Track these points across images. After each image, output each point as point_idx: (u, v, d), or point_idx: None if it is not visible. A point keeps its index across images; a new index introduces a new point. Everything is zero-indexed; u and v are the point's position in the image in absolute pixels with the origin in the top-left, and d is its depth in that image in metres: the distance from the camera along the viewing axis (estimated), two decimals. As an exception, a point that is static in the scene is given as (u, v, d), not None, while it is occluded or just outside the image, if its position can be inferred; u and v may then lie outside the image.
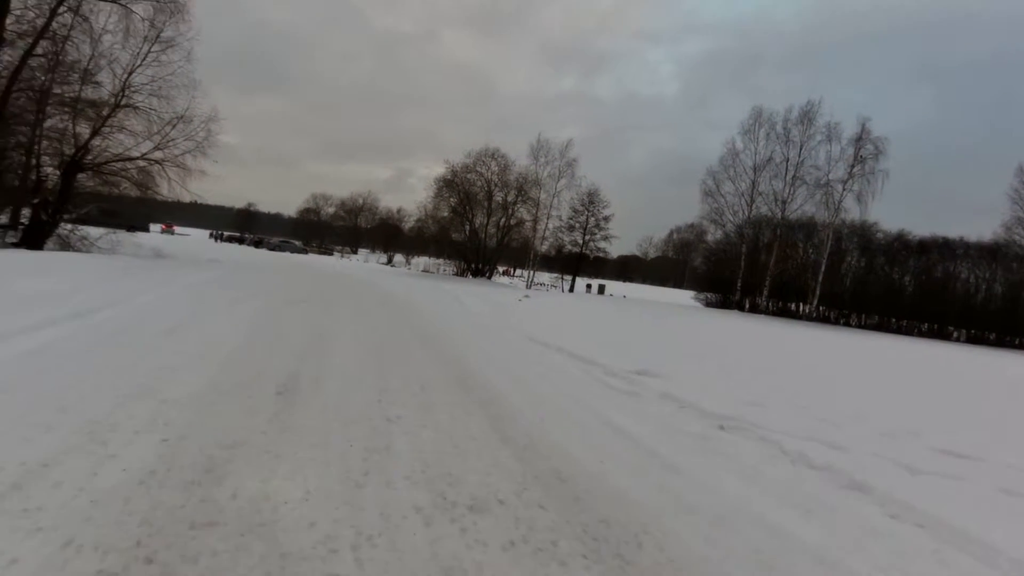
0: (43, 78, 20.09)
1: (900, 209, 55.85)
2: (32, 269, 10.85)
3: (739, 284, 35.21)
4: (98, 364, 4.92)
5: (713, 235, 38.60)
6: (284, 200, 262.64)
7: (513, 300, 20.32)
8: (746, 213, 35.98)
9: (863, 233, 34.65)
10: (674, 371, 8.52)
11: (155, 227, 58.62)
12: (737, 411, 6.18)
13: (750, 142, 35.73)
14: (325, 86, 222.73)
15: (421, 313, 12.79)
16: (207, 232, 73.26)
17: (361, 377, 5.60)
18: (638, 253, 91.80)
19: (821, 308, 34.09)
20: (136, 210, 48.73)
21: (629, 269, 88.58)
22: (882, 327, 32.94)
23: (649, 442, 4.72)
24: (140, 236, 37.27)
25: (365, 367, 6.12)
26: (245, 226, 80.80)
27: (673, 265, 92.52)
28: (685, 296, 44.98)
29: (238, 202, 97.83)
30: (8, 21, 19.05)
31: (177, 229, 69.58)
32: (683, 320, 20.62)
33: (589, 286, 42.59)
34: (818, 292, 32.88)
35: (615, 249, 43.39)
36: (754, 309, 34.92)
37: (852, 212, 33.39)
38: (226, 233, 66.91)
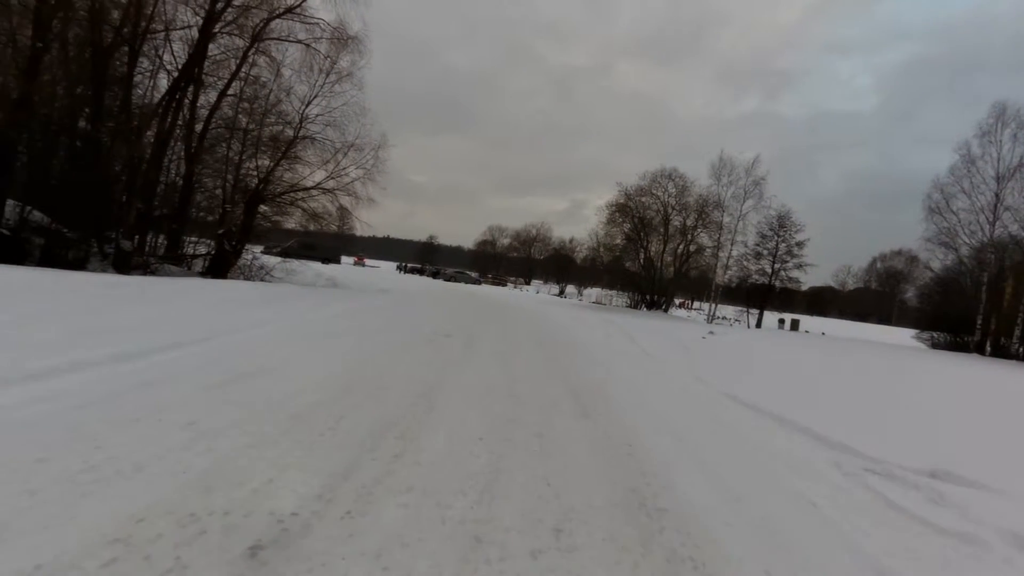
0: (245, 119, 20.85)
1: None
2: (158, 296, 9.86)
3: (979, 321, 27.97)
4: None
5: (942, 261, 31.40)
6: (465, 233, 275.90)
7: (696, 338, 16.88)
8: (987, 233, 28.72)
9: None
10: (998, 473, 4.95)
11: (348, 260, 62.48)
12: None
13: (990, 145, 28.54)
14: (505, 123, 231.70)
15: (584, 356, 10.08)
16: (395, 264, 77.21)
17: (451, 495, 3.00)
18: (833, 284, 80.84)
19: (1100, 354, 25.80)
20: (331, 244, 52.23)
21: (823, 302, 78.06)
22: None
23: None
24: (328, 267, 39.03)
25: (470, 466, 3.52)
26: (427, 258, 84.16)
27: (877, 298, 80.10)
28: (899, 334, 37.44)
29: (425, 236, 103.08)
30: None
31: (368, 262, 74.08)
32: (925, 368, 15.66)
33: (782, 321, 36.84)
34: (1098, 333, 24.92)
35: (806, 280, 37.23)
36: (999, 353, 27.42)
37: None
38: (409, 265, 69.79)
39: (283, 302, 11.87)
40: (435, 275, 58.77)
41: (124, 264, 17.42)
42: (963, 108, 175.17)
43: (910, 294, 77.92)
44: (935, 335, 31.51)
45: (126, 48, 18.11)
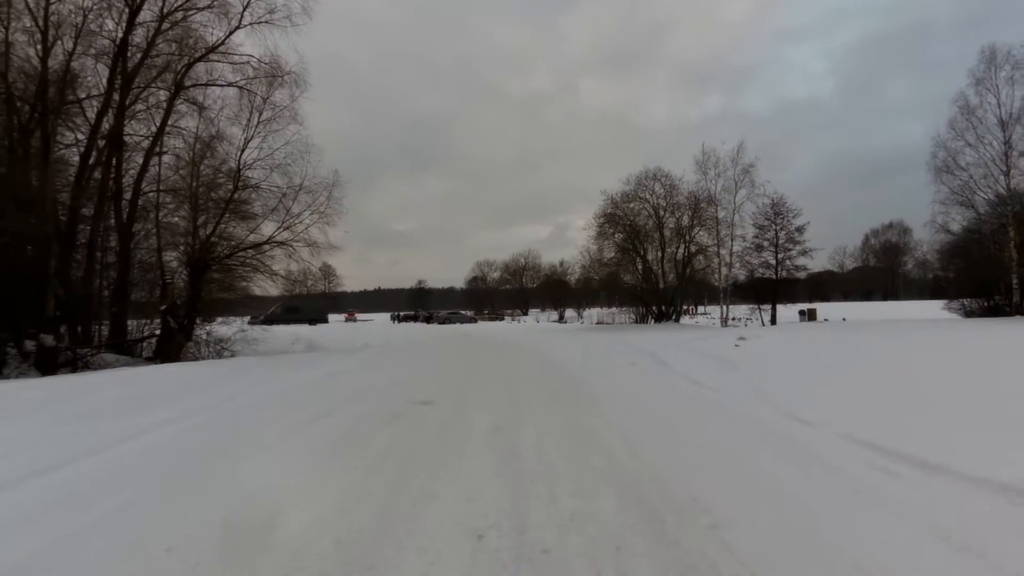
0: (180, 178, 17.97)
1: None
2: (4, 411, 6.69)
3: (1015, 281, 25.03)
4: None
5: (960, 222, 28.45)
6: (454, 273, 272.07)
7: (729, 348, 13.78)
8: (1003, 185, 25.94)
9: None
10: None
11: (337, 317, 59.19)
12: None
13: (987, 92, 25.92)
14: (478, 159, 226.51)
15: (624, 408, 6.92)
16: (388, 315, 73.90)
17: None
18: (831, 267, 77.35)
19: None
20: (317, 305, 49.15)
21: (824, 287, 74.64)
22: None
23: None
24: (313, 329, 35.81)
25: None
26: (419, 304, 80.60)
27: (878, 274, 76.85)
28: (925, 308, 34.43)
29: (414, 282, 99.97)
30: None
31: (360, 316, 70.79)
32: (1010, 344, 12.50)
33: (803, 312, 33.73)
34: None
35: (811, 265, 34.19)
36: (1041, 312, 24.45)
37: None
38: (402, 313, 66.42)
39: (209, 387, 8.73)
40: (428, 319, 55.41)
41: (49, 362, 14.26)
42: (922, 75, 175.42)
43: (910, 265, 75.24)
44: (965, 303, 28.53)
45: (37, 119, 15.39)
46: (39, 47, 15.57)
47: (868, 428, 5.04)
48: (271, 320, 40.88)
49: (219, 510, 3.43)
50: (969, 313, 27.81)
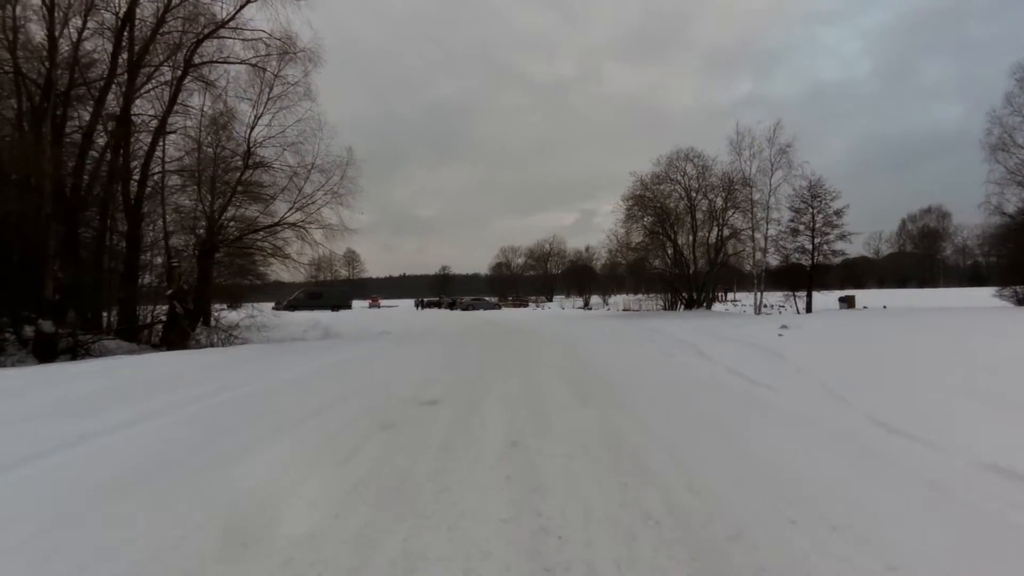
0: (191, 159, 17.02)
1: None
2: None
3: (1078, 266, 23.00)
4: None
5: (1016, 203, 26.25)
6: (479, 259, 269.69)
7: (771, 337, 12.37)
8: (1066, 161, 23.78)
9: None
10: None
11: (361, 303, 58.50)
12: None
13: (1048, 61, 23.74)
14: (501, 144, 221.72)
15: (658, 405, 5.69)
16: (412, 301, 73.14)
17: None
18: (866, 253, 73.98)
19: None
20: (341, 290, 48.50)
21: (858, 273, 71.46)
22: None
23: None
24: (335, 315, 34.97)
25: None
26: (443, 290, 79.69)
27: (914, 261, 73.38)
28: (973, 295, 32.23)
29: (439, 268, 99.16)
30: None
31: (384, 302, 70.12)
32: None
33: (843, 299, 31.81)
34: None
35: (848, 251, 32.13)
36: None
37: None
38: (426, 299, 65.53)
39: (189, 382, 7.68)
40: (451, 306, 54.39)
41: (48, 349, 13.48)
42: (956, 57, 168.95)
43: (949, 252, 71.92)
44: (1018, 290, 26.49)
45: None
46: (47, 26, 14.79)
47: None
48: (293, 306, 40.24)
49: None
50: (1022, 301, 25.86)
